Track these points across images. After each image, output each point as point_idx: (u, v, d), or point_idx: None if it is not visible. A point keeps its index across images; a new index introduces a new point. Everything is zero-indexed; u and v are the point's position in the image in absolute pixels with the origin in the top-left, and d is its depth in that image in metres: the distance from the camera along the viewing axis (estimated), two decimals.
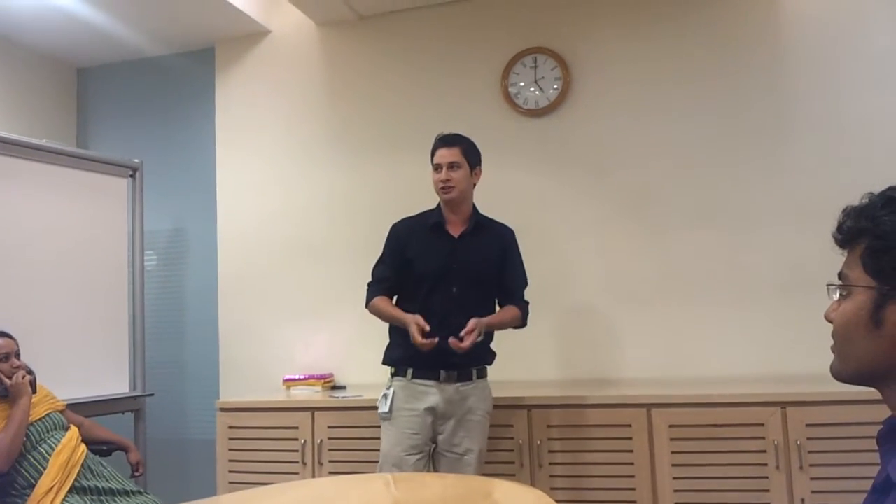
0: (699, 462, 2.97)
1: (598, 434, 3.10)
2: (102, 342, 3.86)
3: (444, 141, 2.88)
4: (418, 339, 2.65)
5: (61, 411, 3.05)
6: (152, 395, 4.06)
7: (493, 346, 3.00)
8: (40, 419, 2.89)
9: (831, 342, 1.17)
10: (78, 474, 2.83)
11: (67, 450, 2.85)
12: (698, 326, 3.58)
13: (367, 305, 2.95)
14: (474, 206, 2.96)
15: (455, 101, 4.00)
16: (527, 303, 3.00)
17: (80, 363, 3.69)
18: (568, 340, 3.73)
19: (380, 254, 3.00)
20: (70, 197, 3.76)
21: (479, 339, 2.74)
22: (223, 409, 3.57)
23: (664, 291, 3.64)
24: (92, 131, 4.78)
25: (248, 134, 4.38)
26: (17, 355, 2.96)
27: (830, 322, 1.17)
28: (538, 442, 3.15)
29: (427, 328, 2.67)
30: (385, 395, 2.84)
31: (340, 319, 4.01)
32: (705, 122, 3.65)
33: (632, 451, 3.05)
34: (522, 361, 3.77)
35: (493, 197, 3.86)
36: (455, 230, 2.90)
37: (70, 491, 2.76)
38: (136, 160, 4.12)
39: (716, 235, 3.60)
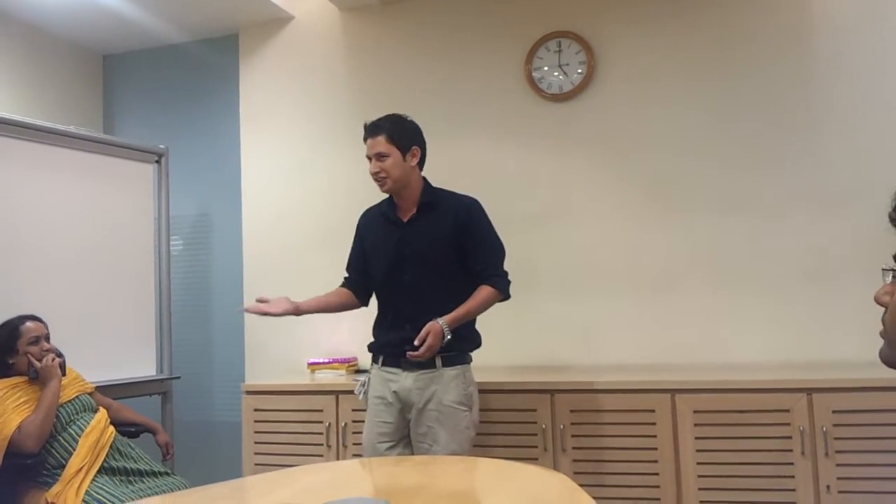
0: (723, 448, 2.96)
1: (621, 419, 3.09)
2: (130, 326, 3.91)
3: (367, 130, 2.73)
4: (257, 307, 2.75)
5: (90, 393, 3.10)
6: (179, 377, 4.12)
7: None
8: (70, 401, 2.94)
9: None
10: (107, 455, 2.88)
11: (96, 431, 2.90)
12: (723, 312, 3.55)
13: None
14: (426, 184, 2.81)
15: (478, 85, 3.98)
16: (504, 273, 2.81)
17: (108, 346, 3.75)
18: (591, 325, 3.72)
19: None
20: (97, 182, 3.80)
21: (447, 339, 2.62)
22: (249, 392, 3.60)
23: (689, 277, 3.62)
24: (118, 118, 4.82)
25: (273, 119, 4.39)
26: (47, 339, 3.01)
27: (882, 306, 1.10)
28: (561, 426, 3.15)
29: (261, 303, 2.77)
30: (362, 384, 2.84)
31: None
32: (732, 109, 3.61)
33: (655, 437, 3.04)
34: (545, 346, 3.77)
35: (516, 181, 3.87)
36: (405, 215, 2.79)
37: (99, 471, 2.81)
38: (161, 146, 4.15)
39: (741, 222, 3.56)
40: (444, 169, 3.98)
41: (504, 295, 2.81)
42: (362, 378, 2.89)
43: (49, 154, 3.58)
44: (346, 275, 2.98)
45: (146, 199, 4.07)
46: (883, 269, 1.10)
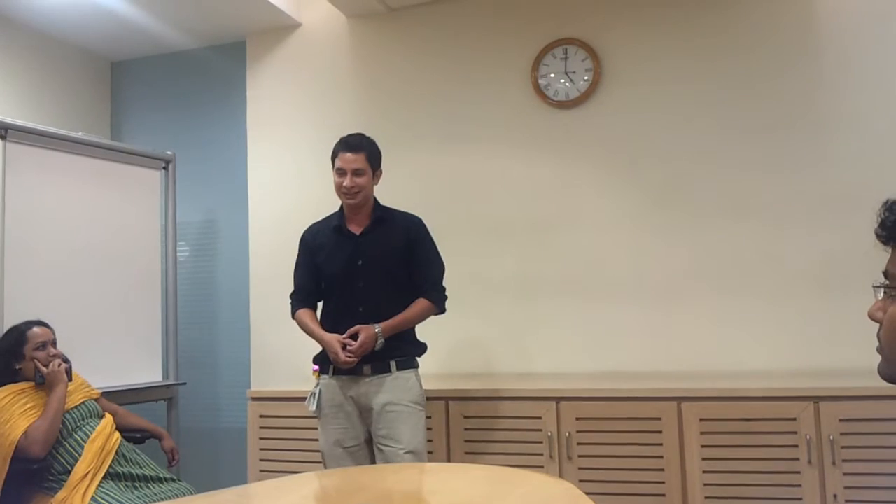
0: (730, 456, 2.95)
1: (627, 427, 3.08)
2: (136, 332, 3.91)
3: (349, 145, 2.87)
4: (342, 357, 2.72)
5: (96, 399, 3.11)
6: (185, 383, 4.12)
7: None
8: (76, 407, 2.94)
9: (873, 341, 1.12)
10: (112, 461, 2.87)
11: (102, 437, 2.90)
12: (730, 320, 3.54)
13: (292, 316, 3.01)
14: (376, 201, 2.98)
15: (485, 92, 3.99)
16: (442, 289, 2.99)
17: (114, 352, 3.75)
18: (598, 333, 3.72)
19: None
20: (104, 188, 3.82)
21: (379, 345, 2.78)
22: (254, 399, 3.61)
23: (695, 284, 3.61)
24: (126, 124, 4.84)
25: (280, 126, 4.40)
26: (54, 344, 3.01)
27: (876, 321, 1.12)
28: (567, 434, 3.15)
29: (350, 344, 2.74)
30: (313, 394, 2.90)
31: None
32: (738, 115, 3.60)
33: (661, 445, 3.03)
34: (552, 354, 3.77)
35: (522, 188, 3.87)
36: (357, 228, 2.93)
37: (105, 477, 2.81)
38: (168, 152, 4.17)
39: (748, 228, 3.55)
40: (450, 175, 4.00)
41: (439, 309, 2.98)
42: (314, 389, 2.92)
43: (57, 160, 3.60)
44: (299, 293, 3.04)
45: (153, 206, 4.08)
46: (874, 287, 1.11)
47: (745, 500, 2.91)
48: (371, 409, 2.82)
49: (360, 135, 2.93)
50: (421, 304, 2.92)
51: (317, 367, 3.90)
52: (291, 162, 4.37)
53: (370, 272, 2.87)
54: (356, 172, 2.84)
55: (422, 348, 3.00)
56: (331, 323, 2.91)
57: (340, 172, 2.86)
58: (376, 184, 2.95)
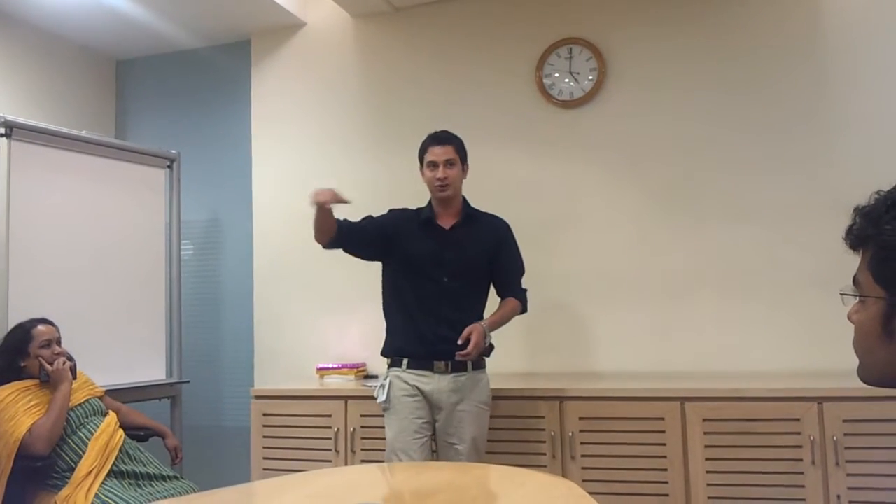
0: (733, 457, 2.95)
1: (630, 427, 3.08)
2: (140, 330, 3.92)
3: (439, 139, 2.92)
4: (321, 195, 2.74)
5: (100, 397, 3.12)
6: (188, 382, 4.13)
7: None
8: (80, 404, 2.96)
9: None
10: (116, 459, 2.89)
11: (106, 434, 2.91)
12: (733, 320, 3.54)
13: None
14: (464, 200, 3.01)
15: (489, 92, 3.99)
16: (524, 290, 3.05)
17: (118, 350, 3.76)
18: (601, 332, 3.71)
19: None
20: (109, 187, 3.83)
21: (487, 342, 2.81)
22: (257, 397, 3.61)
23: (699, 285, 3.61)
24: (130, 123, 4.84)
25: (284, 125, 4.41)
26: (59, 342, 3.03)
27: (853, 324, 1.14)
28: (570, 434, 3.15)
29: (342, 197, 2.73)
30: (382, 386, 2.90)
31: (373, 310, 4.01)
32: (743, 116, 3.60)
33: (665, 445, 3.03)
34: (556, 353, 3.77)
35: (526, 187, 3.87)
36: (446, 223, 2.96)
37: (108, 475, 2.82)
38: (173, 151, 4.18)
39: (752, 229, 3.55)
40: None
41: (524, 309, 3.04)
42: (382, 381, 2.92)
43: (62, 158, 3.61)
44: (349, 222, 3.01)
45: (158, 204, 4.09)
46: (841, 294, 1.12)
47: (748, 501, 2.91)
48: (442, 406, 2.83)
49: (446, 131, 2.97)
50: (513, 302, 2.98)
51: (322, 366, 3.91)
52: (296, 160, 4.37)
53: (457, 267, 2.89)
54: (448, 163, 2.88)
55: (491, 348, 2.99)
56: (406, 314, 2.91)
57: (432, 166, 2.90)
58: (465, 177, 2.98)
